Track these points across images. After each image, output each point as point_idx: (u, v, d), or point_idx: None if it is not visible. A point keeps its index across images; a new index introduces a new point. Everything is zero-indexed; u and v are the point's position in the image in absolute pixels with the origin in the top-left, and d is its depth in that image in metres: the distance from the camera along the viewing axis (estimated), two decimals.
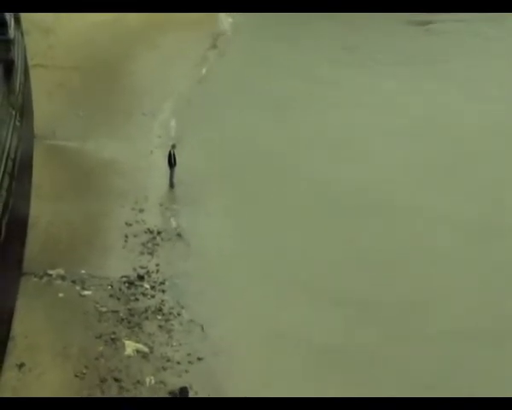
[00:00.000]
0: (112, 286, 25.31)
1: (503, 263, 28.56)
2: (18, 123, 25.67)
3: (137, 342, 22.81)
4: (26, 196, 26.69)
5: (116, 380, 21.05)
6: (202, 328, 24.00)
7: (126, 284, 25.58)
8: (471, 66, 47.66)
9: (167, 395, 20.85)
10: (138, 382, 21.21)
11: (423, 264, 28.44)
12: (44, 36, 45.09)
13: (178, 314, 24.44)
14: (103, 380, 20.90)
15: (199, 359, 22.63)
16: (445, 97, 42.81)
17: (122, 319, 23.72)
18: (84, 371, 21.06)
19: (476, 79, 45.32)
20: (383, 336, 24.48)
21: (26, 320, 22.16)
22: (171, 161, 32.71)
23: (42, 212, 27.58)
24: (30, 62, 34.40)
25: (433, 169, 34.98)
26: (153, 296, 25.25)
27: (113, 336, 22.79)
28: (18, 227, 23.86)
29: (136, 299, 24.95)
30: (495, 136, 38.21)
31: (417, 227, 30.59)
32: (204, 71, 46.32)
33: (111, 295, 24.86)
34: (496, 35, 52.59)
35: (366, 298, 26.05)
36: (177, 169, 32.77)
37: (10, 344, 21.04)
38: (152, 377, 21.46)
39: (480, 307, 26.20)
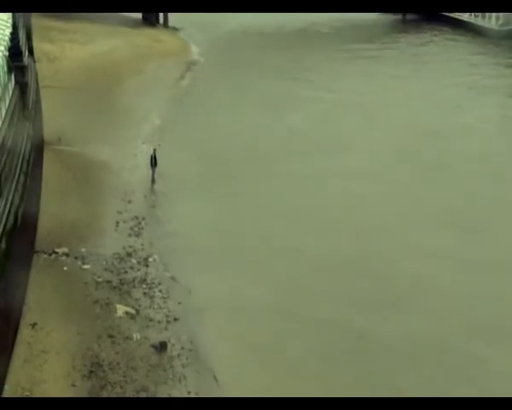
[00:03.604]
0: (106, 261, 25.05)
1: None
2: (31, 132, 25.48)
3: (126, 305, 22.61)
4: (37, 190, 26.39)
5: (110, 336, 20.84)
6: (178, 294, 23.83)
7: (118, 260, 25.33)
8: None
9: (150, 348, 20.69)
10: (127, 337, 21.01)
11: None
12: (52, 63, 44.54)
13: (159, 284, 24.25)
14: (99, 336, 20.67)
15: (175, 319, 22.45)
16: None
17: (114, 288, 23.51)
18: (84, 329, 20.80)
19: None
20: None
21: (38, 289, 21.89)
22: (153, 162, 32.57)
23: (49, 202, 27.19)
24: (40, 84, 33.95)
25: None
26: (139, 269, 25.03)
27: (107, 301, 22.58)
28: (31, 214, 23.55)
29: (126, 271, 24.71)
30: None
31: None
32: (180, 90, 46.08)
33: (105, 269, 24.61)
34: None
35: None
36: (157, 168, 32.57)
37: (25, 308, 20.76)
38: (138, 334, 21.27)
39: None
